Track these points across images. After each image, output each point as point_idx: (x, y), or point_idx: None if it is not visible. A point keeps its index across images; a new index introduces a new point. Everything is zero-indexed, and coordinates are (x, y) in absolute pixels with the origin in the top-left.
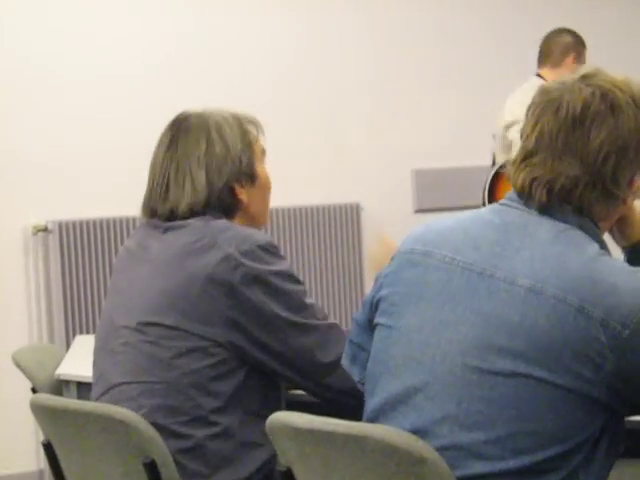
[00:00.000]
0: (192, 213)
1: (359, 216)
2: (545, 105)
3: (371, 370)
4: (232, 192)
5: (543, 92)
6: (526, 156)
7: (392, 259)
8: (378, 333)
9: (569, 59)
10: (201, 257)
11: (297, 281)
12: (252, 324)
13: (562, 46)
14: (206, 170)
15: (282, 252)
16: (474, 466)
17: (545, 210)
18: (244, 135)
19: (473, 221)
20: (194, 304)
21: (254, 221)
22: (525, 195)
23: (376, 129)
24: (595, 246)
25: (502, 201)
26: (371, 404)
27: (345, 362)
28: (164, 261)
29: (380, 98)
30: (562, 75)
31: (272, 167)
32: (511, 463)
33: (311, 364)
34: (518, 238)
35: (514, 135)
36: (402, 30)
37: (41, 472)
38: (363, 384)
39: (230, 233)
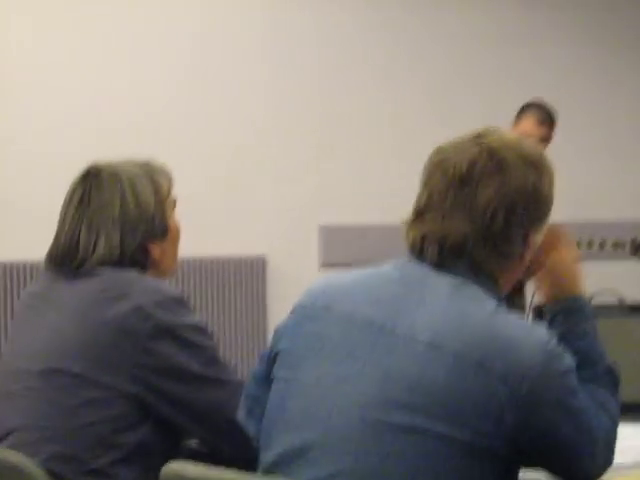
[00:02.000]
0: (113, 267)
1: (265, 269)
2: (436, 165)
3: (267, 424)
4: (145, 249)
5: (436, 152)
6: (418, 214)
7: (291, 312)
8: (275, 386)
9: (526, 116)
10: (112, 307)
11: (208, 335)
12: (160, 377)
13: (521, 109)
14: (121, 230)
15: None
16: None
17: (439, 266)
18: (157, 190)
19: (374, 276)
20: (102, 354)
21: (163, 274)
22: (417, 252)
23: (284, 183)
24: (492, 302)
25: (403, 256)
26: (266, 458)
27: (241, 415)
28: (73, 308)
29: (287, 152)
30: (524, 129)
31: (179, 217)
32: None
33: (218, 419)
34: (417, 293)
35: None
36: (308, 90)
37: None
38: (258, 439)
39: (142, 284)
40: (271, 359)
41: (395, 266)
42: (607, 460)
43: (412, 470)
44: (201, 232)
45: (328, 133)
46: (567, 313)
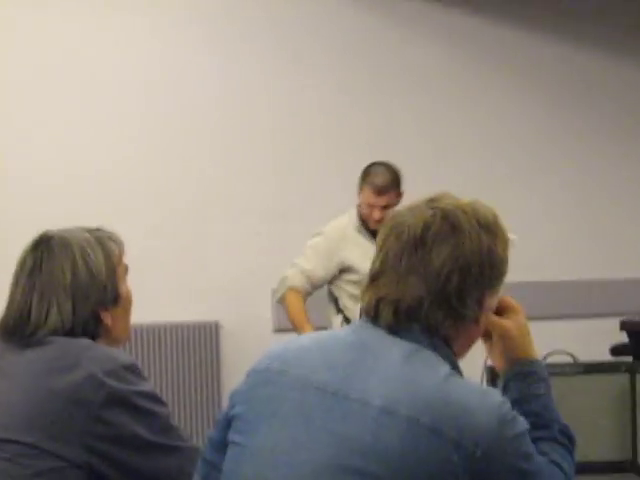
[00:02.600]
0: (66, 336)
1: (218, 334)
2: (390, 229)
3: None
4: (97, 317)
5: (391, 217)
6: (373, 278)
7: (246, 376)
8: (230, 451)
9: (365, 188)
10: (63, 376)
11: (161, 402)
12: (113, 445)
13: (362, 174)
14: (72, 298)
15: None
16: None
17: (393, 330)
18: (108, 257)
19: (329, 340)
20: (54, 423)
21: (116, 341)
22: (373, 316)
23: (236, 248)
24: (446, 367)
25: (359, 320)
26: None
27: None
28: (24, 378)
29: (240, 217)
30: (362, 203)
31: (131, 283)
32: None
33: None
34: (371, 358)
35: (309, 241)
36: (262, 155)
37: None
38: None
39: (94, 352)
40: (226, 424)
41: (351, 329)
42: None
43: None
44: (154, 298)
45: (280, 199)
46: (520, 377)
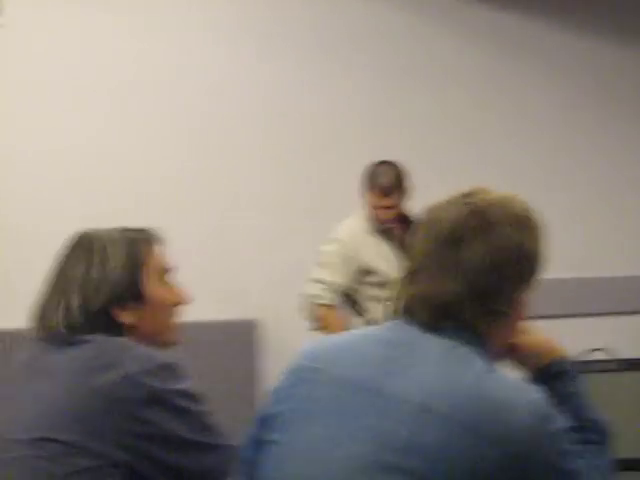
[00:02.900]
0: (76, 332)
1: (254, 333)
2: (424, 225)
3: None
4: (109, 315)
5: (425, 212)
6: (407, 276)
7: (283, 375)
8: (268, 450)
9: (368, 191)
10: (102, 375)
11: (201, 401)
12: (151, 444)
13: (364, 176)
14: (82, 295)
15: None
16: None
17: (429, 328)
18: (131, 255)
19: (364, 338)
20: (92, 422)
21: (152, 341)
22: (409, 315)
23: (274, 245)
24: (482, 363)
25: (393, 319)
26: None
27: None
28: (63, 377)
29: (278, 215)
30: (368, 205)
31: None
32: None
33: None
34: (407, 355)
35: (323, 248)
36: (301, 152)
37: None
38: None
39: (133, 352)
40: (265, 422)
41: (386, 328)
42: None
43: None
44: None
45: (317, 196)
46: (551, 379)
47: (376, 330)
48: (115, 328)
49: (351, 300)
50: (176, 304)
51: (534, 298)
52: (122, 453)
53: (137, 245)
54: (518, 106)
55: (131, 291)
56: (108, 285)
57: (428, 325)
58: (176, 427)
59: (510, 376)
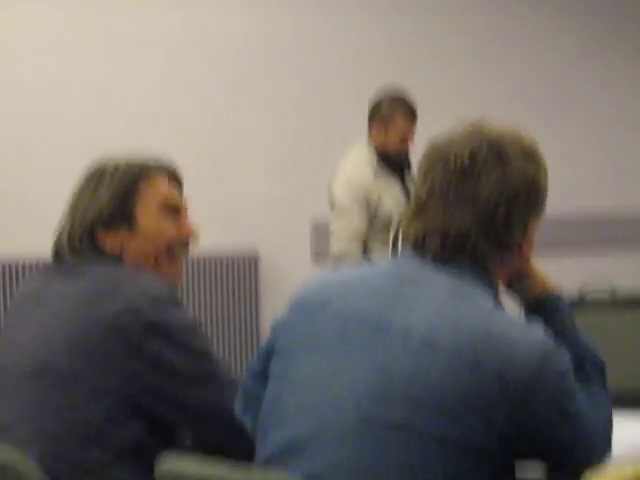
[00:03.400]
0: (74, 255)
1: (257, 265)
2: (434, 158)
3: (263, 420)
4: (93, 237)
5: (433, 145)
6: (419, 208)
7: (287, 308)
8: (271, 383)
9: (399, 115)
10: (103, 306)
11: (200, 333)
12: (152, 375)
13: (389, 102)
14: (72, 218)
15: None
16: None
17: (439, 261)
18: (126, 183)
19: (370, 273)
20: (93, 353)
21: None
22: (419, 247)
23: (276, 178)
24: (489, 300)
25: (401, 253)
26: (262, 454)
27: (238, 411)
28: (65, 307)
29: (281, 146)
30: (393, 133)
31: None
32: None
33: (211, 416)
34: (414, 290)
35: (337, 199)
36: (300, 83)
37: None
38: (255, 434)
39: (135, 283)
40: (267, 355)
41: (393, 262)
42: (603, 456)
43: (405, 466)
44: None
45: (321, 126)
46: (547, 313)
47: (382, 265)
48: (98, 251)
49: (362, 246)
50: (174, 239)
51: (539, 232)
52: (122, 384)
53: (137, 174)
54: (520, 41)
55: (118, 217)
56: (95, 208)
57: (439, 258)
58: (176, 358)
59: (515, 316)
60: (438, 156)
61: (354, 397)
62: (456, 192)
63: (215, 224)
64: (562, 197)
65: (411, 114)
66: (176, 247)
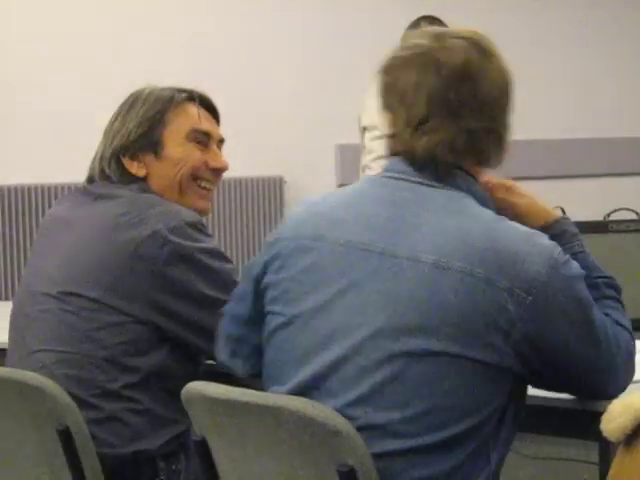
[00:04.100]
0: (104, 179)
1: (282, 189)
2: (422, 66)
3: (274, 359)
4: (121, 162)
5: (411, 53)
6: (420, 122)
7: (269, 245)
8: (274, 321)
9: None
10: (128, 232)
11: (225, 259)
12: (176, 301)
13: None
14: (105, 141)
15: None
16: (388, 444)
17: (441, 175)
18: (155, 110)
19: (359, 198)
20: (118, 279)
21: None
22: (428, 160)
23: (301, 102)
24: (489, 212)
25: (386, 174)
26: (280, 391)
27: (224, 358)
28: (90, 232)
29: (306, 71)
30: None
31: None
32: (426, 439)
33: None
34: (413, 213)
35: (368, 142)
36: (327, 9)
37: None
38: (252, 375)
39: (159, 209)
40: (255, 297)
41: (380, 185)
42: (628, 374)
43: (430, 392)
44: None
45: (346, 53)
46: (555, 239)
47: (368, 188)
48: (124, 177)
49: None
50: (199, 167)
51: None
52: (146, 310)
53: (167, 101)
54: None
55: (144, 143)
56: (123, 134)
57: (438, 173)
58: (200, 284)
59: (518, 225)
60: (424, 65)
61: (370, 331)
62: (458, 98)
63: (243, 149)
64: (587, 124)
65: None
66: (202, 175)
